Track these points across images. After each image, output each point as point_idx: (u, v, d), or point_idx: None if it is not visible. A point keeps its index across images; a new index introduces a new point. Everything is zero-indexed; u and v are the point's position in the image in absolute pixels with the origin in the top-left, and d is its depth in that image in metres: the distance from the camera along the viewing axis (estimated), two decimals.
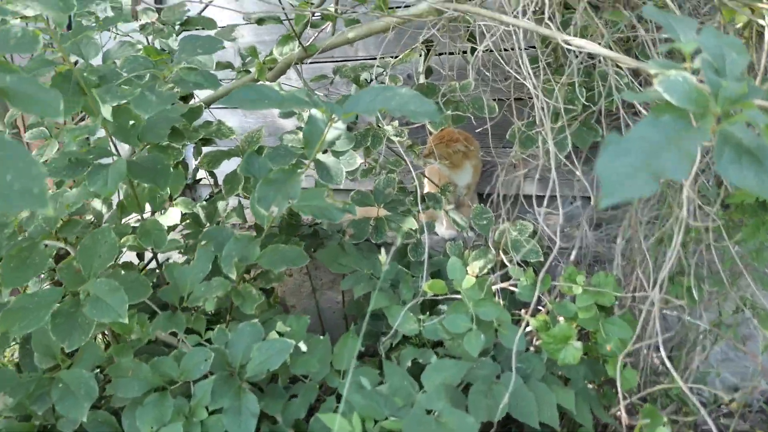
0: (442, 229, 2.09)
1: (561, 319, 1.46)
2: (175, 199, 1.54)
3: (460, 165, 1.95)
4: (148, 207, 1.42)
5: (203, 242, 1.30)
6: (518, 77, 1.30)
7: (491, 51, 1.46)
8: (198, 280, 1.26)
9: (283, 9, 1.67)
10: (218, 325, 1.29)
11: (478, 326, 1.34)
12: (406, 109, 0.91)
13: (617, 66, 1.29)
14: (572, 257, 1.68)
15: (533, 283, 1.47)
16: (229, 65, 2.05)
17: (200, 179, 2.29)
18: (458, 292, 1.43)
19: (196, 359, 1.20)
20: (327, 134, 1.04)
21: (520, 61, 1.28)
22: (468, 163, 1.97)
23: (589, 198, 1.96)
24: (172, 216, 1.46)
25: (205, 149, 2.24)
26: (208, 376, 1.20)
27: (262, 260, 1.31)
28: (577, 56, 1.39)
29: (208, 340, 1.31)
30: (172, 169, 1.27)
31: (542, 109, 1.25)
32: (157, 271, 1.57)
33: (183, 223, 1.91)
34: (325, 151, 1.47)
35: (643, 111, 1.39)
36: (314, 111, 1.05)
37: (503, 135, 2.18)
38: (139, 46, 1.30)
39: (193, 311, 1.33)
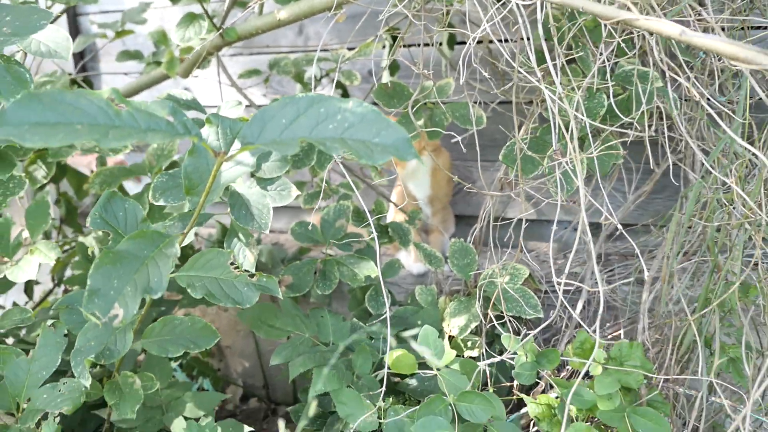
0: (410, 261, 1.69)
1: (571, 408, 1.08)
2: (36, 241, 1.09)
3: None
4: None
5: (51, 320, 0.85)
6: (525, 77, 0.90)
7: (480, 42, 1.06)
8: (38, 382, 0.83)
9: None
10: None
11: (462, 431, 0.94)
12: (355, 140, 0.50)
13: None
14: (578, 309, 1.29)
15: (535, 361, 1.08)
16: (137, 54, 1.60)
17: None
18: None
19: None
20: (220, 173, 0.62)
21: (529, 54, 0.87)
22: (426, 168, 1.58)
23: (596, 224, 1.58)
24: (26, 269, 1.02)
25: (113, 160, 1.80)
26: None
27: (146, 345, 0.88)
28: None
29: None
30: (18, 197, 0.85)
31: (563, 126, 0.86)
32: None
33: (72, 261, 1.46)
34: (252, 173, 1.05)
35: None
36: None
37: (484, 145, 1.79)
38: None
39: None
